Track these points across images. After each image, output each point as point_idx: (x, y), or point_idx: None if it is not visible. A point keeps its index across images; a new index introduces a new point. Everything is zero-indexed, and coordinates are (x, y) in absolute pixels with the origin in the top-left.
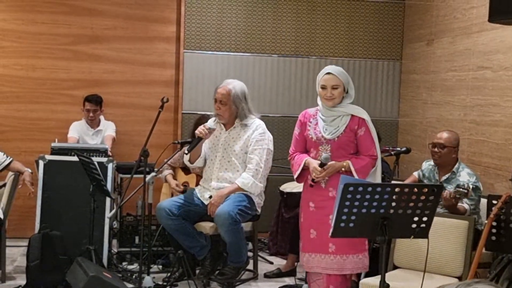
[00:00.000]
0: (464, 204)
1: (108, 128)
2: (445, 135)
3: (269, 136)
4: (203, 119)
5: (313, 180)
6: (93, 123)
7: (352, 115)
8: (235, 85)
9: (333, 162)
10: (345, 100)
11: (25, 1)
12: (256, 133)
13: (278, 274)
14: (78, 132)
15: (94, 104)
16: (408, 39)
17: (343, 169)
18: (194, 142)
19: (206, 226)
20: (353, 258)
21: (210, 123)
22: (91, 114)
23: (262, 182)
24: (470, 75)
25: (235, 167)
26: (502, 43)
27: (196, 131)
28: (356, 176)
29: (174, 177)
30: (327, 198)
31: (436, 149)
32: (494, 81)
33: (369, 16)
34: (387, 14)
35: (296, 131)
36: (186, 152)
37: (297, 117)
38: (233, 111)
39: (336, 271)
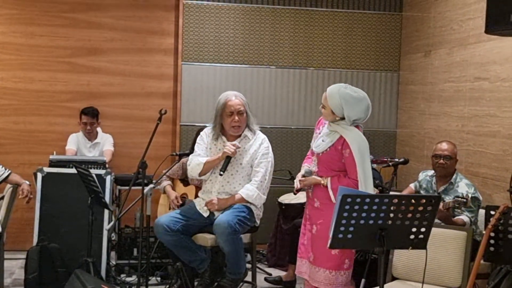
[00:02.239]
0: (463, 217)
1: (106, 143)
2: (448, 146)
3: (271, 150)
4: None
5: (297, 189)
6: (91, 135)
7: (341, 135)
8: (238, 94)
9: (313, 176)
10: (341, 122)
11: (24, 14)
12: (263, 147)
13: (278, 281)
14: (76, 144)
15: (91, 117)
16: (405, 50)
17: (322, 185)
18: (226, 162)
19: (205, 238)
20: (324, 272)
21: (209, 134)
22: (88, 127)
23: (265, 193)
24: (467, 86)
25: (237, 181)
26: (499, 54)
27: (226, 150)
28: (331, 195)
29: (173, 188)
30: (313, 208)
31: (442, 161)
32: (491, 92)
33: (367, 27)
34: (385, 26)
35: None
36: (221, 173)
37: (295, 128)
38: (246, 119)
39: (310, 280)
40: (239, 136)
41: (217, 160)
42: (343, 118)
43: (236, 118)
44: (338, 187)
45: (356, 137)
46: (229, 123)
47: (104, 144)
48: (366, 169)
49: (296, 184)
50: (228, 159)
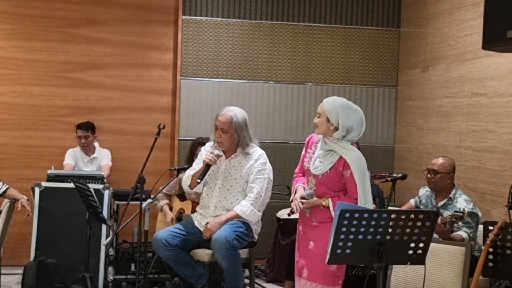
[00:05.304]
0: (462, 233)
1: (104, 157)
2: (439, 161)
3: (269, 166)
4: (198, 141)
5: (291, 211)
6: (87, 149)
7: (341, 156)
8: (236, 112)
9: (313, 199)
10: (335, 134)
11: (23, 29)
12: (258, 163)
13: None
14: (74, 159)
15: (85, 130)
16: (403, 66)
17: (322, 207)
18: (205, 170)
19: (202, 254)
20: None
21: (208, 147)
22: (82, 141)
23: (261, 210)
24: (465, 102)
25: (234, 195)
26: (496, 70)
27: (205, 159)
28: (334, 215)
29: (170, 206)
30: (310, 227)
31: (429, 175)
32: (489, 108)
33: (365, 43)
34: (383, 42)
35: (303, 151)
36: (199, 180)
37: (293, 143)
38: (234, 139)
39: None
40: (234, 151)
41: (202, 169)
42: (336, 129)
43: (217, 134)
44: (337, 202)
45: (356, 156)
46: (214, 136)
47: (102, 159)
48: (366, 189)
49: (297, 206)
50: (207, 167)
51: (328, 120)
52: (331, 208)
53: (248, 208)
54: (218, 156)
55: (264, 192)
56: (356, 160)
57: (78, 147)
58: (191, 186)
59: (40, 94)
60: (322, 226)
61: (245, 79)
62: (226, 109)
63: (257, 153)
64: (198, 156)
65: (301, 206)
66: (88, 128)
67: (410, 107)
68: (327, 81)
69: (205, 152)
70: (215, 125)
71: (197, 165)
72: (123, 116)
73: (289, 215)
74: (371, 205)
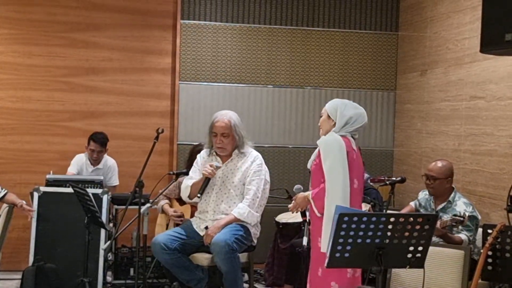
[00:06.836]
0: (461, 235)
1: (113, 176)
2: (436, 166)
3: (265, 167)
4: (198, 147)
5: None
6: (96, 162)
7: None
8: (231, 115)
9: (300, 193)
10: (333, 130)
11: (22, 34)
12: (255, 164)
13: None
14: (79, 167)
15: (100, 145)
16: (402, 69)
17: (308, 199)
18: (204, 183)
19: (201, 258)
20: None
21: (204, 154)
22: (95, 155)
23: (259, 211)
24: (463, 105)
25: (232, 199)
26: (494, 73)
27: (204, 172)
28: (313, 204)
29: (170, 206)
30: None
31: (428, 181)
32: (487, 111)
33: (363, 47)
34: (381, 45)
35: None
36: (199, 195)
37: (292, 147)
38: (235, 141)
39: None
40: (230, 155)
41: (201, 182)
42: (336, 125)
43: (218, 140)
44: (336, 206)
45: (325, 138)
46: (214, 143)
47: (111, 178)
48: (329, 167)
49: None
50: (206, 180)
51: (329, 117)
52: (311, 200)
53: (245, 210)
54: (217, 168)
55: (260, 193)
56: (322, 141)
57: (85, 155)
58: (190, 197)
59: (39, 99)
60: (312, 228)
61: (244, 83)
62: (220, 115)
63: (253, 155)
64: (194, 164)
65: (293, 205)
66: (103, 143)
67: (409, 110)
68: (325, 85)
69: (201, 160)
70: (213, 132)
71: (194, 173)
72: (122, 121)
73: (304, 220)
74: (338, 192)
